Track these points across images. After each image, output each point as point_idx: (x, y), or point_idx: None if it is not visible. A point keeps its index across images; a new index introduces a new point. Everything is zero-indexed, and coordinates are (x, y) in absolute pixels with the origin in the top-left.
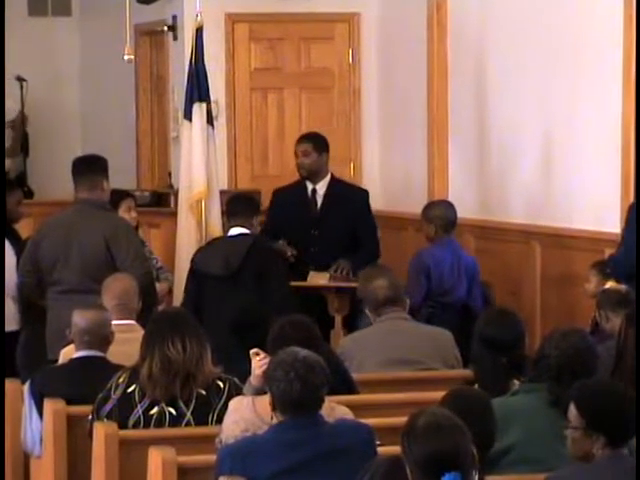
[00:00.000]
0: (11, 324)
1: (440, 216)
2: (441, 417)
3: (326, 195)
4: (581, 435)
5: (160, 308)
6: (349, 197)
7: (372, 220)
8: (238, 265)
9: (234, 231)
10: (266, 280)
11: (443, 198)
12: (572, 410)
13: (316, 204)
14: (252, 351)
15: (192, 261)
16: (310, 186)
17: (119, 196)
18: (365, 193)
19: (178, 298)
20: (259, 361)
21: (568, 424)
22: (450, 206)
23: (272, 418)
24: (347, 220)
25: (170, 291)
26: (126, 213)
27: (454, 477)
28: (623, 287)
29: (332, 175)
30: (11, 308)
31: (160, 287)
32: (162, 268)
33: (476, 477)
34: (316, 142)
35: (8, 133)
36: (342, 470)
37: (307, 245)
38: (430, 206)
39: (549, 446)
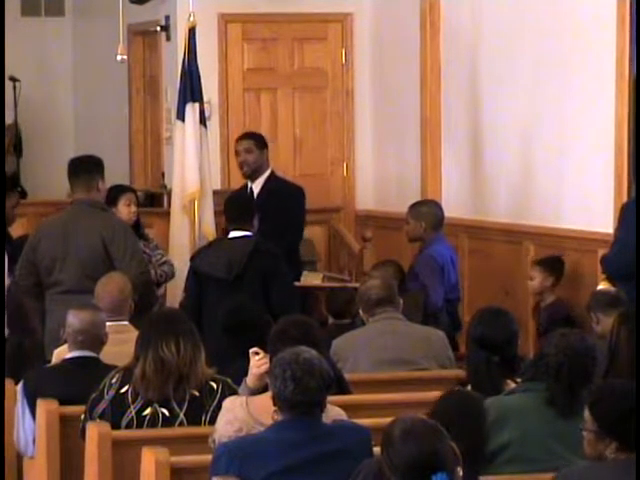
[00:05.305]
0: None
1: (431, 213)
2: (415, 422)
3: (260, 193)
4: (594, 438)
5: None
6: (281, 194)
7: (296, 217)
8: (241, 268)
9: (235, 234)
10: (270, 282)
11: (435, 199)
12: (586, 412)
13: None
14: (251, 350)
15: (192, 261)
16: (249, 185)
17: (120, 190)
18: (298, 190)
19: (172, 297)
20: (258, 361)
21: (584, 425)
22: (439, 205)
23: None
24: (277, 217)
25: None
26: (126, 207)
27: (441, 477)
28: (612, 288)
29: (272, 172)
30: None
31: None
32: (166, 262)
33: (460, 473)
34: (257, 139)
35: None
36: (339, 472)
37: None
38: (419, 204)
39: (545, 445)
